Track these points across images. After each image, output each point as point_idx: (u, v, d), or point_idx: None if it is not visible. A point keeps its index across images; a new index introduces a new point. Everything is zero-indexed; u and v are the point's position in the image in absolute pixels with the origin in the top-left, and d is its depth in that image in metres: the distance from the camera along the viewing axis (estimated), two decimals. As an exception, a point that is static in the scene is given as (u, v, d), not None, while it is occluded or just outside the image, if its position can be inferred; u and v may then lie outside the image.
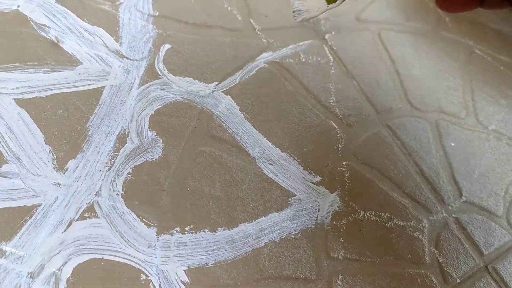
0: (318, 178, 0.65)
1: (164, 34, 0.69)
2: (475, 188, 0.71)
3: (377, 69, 0.78)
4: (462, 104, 0.80)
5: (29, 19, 0.64)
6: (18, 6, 0.64)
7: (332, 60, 0.76)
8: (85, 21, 0.66)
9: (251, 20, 0.76)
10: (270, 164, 0.63)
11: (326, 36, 0.79)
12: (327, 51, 0.77)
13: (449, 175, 0.71)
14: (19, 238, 0.50)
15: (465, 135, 0.76)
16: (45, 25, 0.64)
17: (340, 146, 0.68)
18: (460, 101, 0.80)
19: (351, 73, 0.76)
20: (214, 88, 0.67)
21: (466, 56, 0.86)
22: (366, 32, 0.83)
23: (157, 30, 0.69)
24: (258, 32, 0.75)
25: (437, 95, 0.79)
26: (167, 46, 0.68)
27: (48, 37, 0.63)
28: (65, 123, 0.58)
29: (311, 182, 0.64)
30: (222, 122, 0.64)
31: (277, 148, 0.65)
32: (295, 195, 0.62)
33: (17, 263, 0.49)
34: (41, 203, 0.52)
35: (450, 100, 0.79)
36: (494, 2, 0.71)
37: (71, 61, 0.62)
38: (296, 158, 0.65)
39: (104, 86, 0.62)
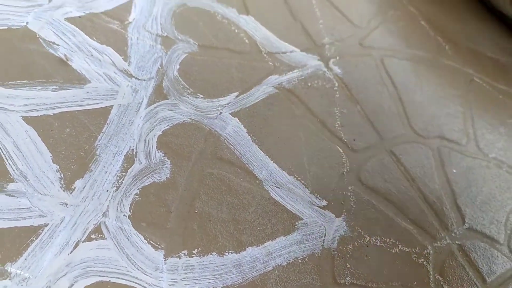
0: (325, 202, 0.64)
1: (172, 55, 0.69)
2: (477, 215, 0.72)
3: (380, 94, 0.79)
4: (463, 131, 0.81)
5: (38, 36, 0.63)
6: (27, 23, 0.64)
7: (336, 84, 0.77)
8: (94, 40, 0.66)
9: (258, 43, 0.76)
10: (277, 187, 0.63)
11: (331, 61, 0.80)
12: (332, 76, 0.78)
13: (452, 202, 0.72)
14: (25, 259, 0.49)
15: (466, 162, 0.77)
16: (54, 43, 0.63)
17: (345, 170, 0.69)
18: (461, 128, 0.81)
19: (355, 98, 0.77)
20: (222, 109, 0.67)
21: (465, 84, 0.88)
22: (369, 58, 0.84)
23: (165, 51, 0.69)
24: (265, 55, 0.75)
25: (438, 121, 0.80)
26: (176, 66, 0.68)
27: (56, 55, 0.63)
28: (72, 141, 0.57)
29: (317, 206, 0.64)
30: (230, 144, 0.64)
31: (284, 171, 0.65)
32: (302, 219, 0.62)
33: (22, 285, 0.47)
34: (48, 223, 0.51)
35: (451, 127, 0.80)
36: None
37: (79, 79, 0.62)
38: (302, 181, 0.65)
39: (112, 105, 0.62)
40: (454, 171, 0.75)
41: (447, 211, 0.70)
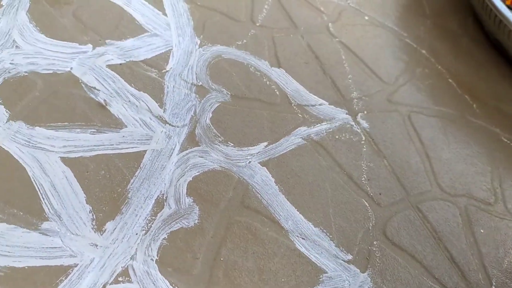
0: (350, 257, 0.64)
1: (206, 103, 0.72)
2: (504, 278, 0.70)
3: (407, 150, 0.80)
4: (491, 190, 0.80)
5: (80, 81, 0.67)
6: (71, 68, 0.68)
7: (364, 138, 0.78)
8: (132, 86, 0.69)
9: (288, 95, 0.78)
10: (302, 238, 0.63)
11: (359, 115, 0.81)
12: (359, 130, 0.79)
13: (479, 263, 0.70)
14: (54, 298, 0.50)
15: (494, 222, 0.76)
16: (95, 88, 0.67)
17: (371, 225, 0.68)
18: (488, 188, 0.80)
19: (382, 152, 0.78)
20: (251, 158, 0.68)
21: (493, 143, 0.88)
22: (397, 114, 0.85)
23: (199, 99, 0.72)
24: (295, 107, 0.77)
25: (465, 179, 0.80)
26: (208, 115, 0.70)
27: (96, 100, 0.66)
28: (106, 184, 0.59)
29: (342, 260, 0.63)
30: (257, 192, 0.65)
31: (310, 223, 0.65)
32: (327, 272, 0.62)
33: (49, 325, 0.48)
34: (78, 264, 0.52)
35: (478, 186, 0.80)
36: None
37: (116, 124, 0.65)
38: (328, 234, 0.65)
39: (146, 150, 0.64)
40: (482, 231, 0.74)
41: (474, 272, 0.69)
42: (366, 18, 1.00)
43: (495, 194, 0.80)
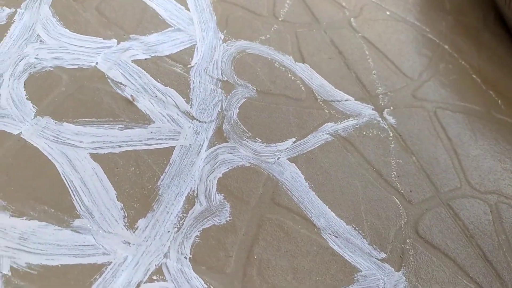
0: (383, 255, 0.63)
1: (232, 99, 0.70)
2: (540, 276, 0.68)
3: (435, 146, 0.78)
4: (520, 187, 0.79)
5: (106, 77, 0.65)
6: (97, 63, 0.66)
7: (391, 134, 0.77)
8: (158, 82, 0.68)
9: (314, 91, 0.77)
10: (335, 236, 0.62)
11: (385, 111, 0.80)
12: (386, 126, 0.78)
13: (512, 261, 0.69)
14: (88, 298, 0.48)
15: (525, 220, 0.74)
16: (121, 83, 0.65)
17: (403, 222, 0.67)
18: (518, 184, 0.79)
19: (410, 149, 0.76)
20: (280, 155, 0.67)
21: (520, 139, 0.86)
22: (423, 110, 0.83)
23: (225, 95, 0.70)
24: (321, 103, 0.76)
25: (495, 176, 0.78)
26: (235, 110, 0.69)
27: (123, 95, 0.64)
28: (136, 180, 0.58)
29: (376, 259, 0.62)
30: (288, 190, 0.64)
31: (342, 221, 0.64)
32: (361, 271, 0.60)
33: (84, 325, 0.47)
34: (111, 262, 0.51)
35: (508, 183, 0.78)
36: None
37: (144, 120, 0.63)
38: (360, 232, 0.63)
39: (175, 146, 0.62)
40: (514, 228, 0.73)
41: (508, 270, 0.67)
42: (388, 13, 0.98)
43: (525, 191, 0.79)
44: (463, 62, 0.96)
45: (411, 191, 0.71)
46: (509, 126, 0.88)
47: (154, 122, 0.63)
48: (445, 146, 0.79)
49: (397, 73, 0.88)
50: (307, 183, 0.65)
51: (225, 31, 0.79)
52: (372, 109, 0.79)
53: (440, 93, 0.88)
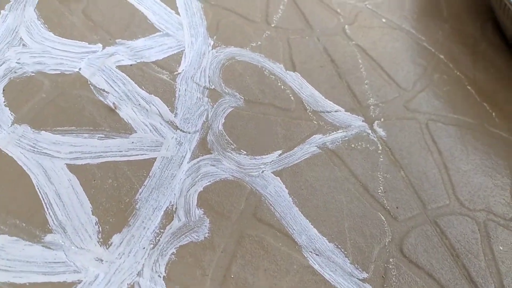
0: (365, 275, 0.61)
1: (218, 108, 0.69)
2: (525, 298, 0.67)
3: (425, 160, 0.77)
4: (510, 205, 0.77)
5: (89, 83, 0.64)
6: (80, 69, 0.65)
7: (380, 147, 0.75)
8: (143, 89, 0.66)
9: (303, 101, 0.75)
10: (316, 254, 0.61)
11: (375, 123, 0.78)
12: (376, 138, 0.76)
13: (498, 282, 0.68)
14: (57, 317, 0.47)
15: (513, 239, 0.73)
16: (104, 90, 0.64)
17: (387, 240, 0.66)
18: (508, 202, 0.77)
19: (399, 163, 0.75)
20: (264, 168, 0.65)
21: (513, 155, 0.85)
22: (414, 122, 0.82)
23: (211, 104, 0.69)
24: (310, 114, 0.74)
25: (485, 193, 0.77)
26: (221, 120, 0.68)
27: (105, 102, 0.63)
28: (113, 193, 0.56)
29: (357, 279, 0.61)
30: (270, 204, 0.62)
31: (324, 238, 0.62)
32: (341, 292, 0.59)
33: None
34: (82, 280, 0.50)
35: (498, 200, 0.77)
36: None
37: (125, 129, 0.62)
38: (342, 250, 0.62)
39: (156, 157, 0.61)
40: (501, 248, 0.72)
41: (493, 292, 0.66)
42: (383, 20, 0.97)
43: (515, 209, 0.77)
44: (458, 73, 0.94)
45: (397, 207, 0.70)
46: (502, 140, 0.87)
47: (136, 132, 0.62)
48: (435, 160, 0.78)
49: (390, 83, 0.86)
50: (290, 198, 0.64)
51: (215, 36, 0.77)
52: (362, 121, 0.77)
53: (433, 104, 0.87)
